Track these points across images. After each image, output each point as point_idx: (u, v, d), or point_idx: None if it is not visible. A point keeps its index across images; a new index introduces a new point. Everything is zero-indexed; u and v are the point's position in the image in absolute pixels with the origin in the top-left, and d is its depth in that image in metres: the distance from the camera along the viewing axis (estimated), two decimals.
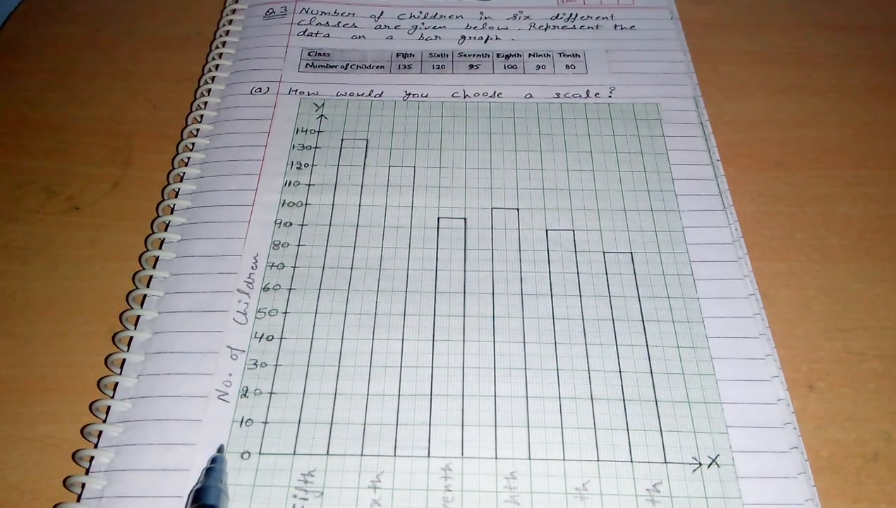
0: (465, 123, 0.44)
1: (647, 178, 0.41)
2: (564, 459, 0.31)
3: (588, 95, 0.45)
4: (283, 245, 0.38)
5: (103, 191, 0.42)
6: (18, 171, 0.42)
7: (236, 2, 0.51)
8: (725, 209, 0.39)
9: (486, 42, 0.49)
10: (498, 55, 0.48)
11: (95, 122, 0.45)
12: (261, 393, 0.33)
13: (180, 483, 0.30)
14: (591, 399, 0.33)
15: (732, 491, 0.31)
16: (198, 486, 0.30)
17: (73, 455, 0.32)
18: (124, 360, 0.34)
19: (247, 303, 0.36)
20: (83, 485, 0.31)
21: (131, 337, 0.35)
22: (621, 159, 0.42)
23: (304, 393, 0.33)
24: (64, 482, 0.31)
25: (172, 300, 0.36)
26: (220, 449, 0.31)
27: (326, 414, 0.32)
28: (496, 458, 0.31)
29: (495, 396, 0.33)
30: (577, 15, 0.50)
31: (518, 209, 0.40)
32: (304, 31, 0.49)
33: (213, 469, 0.30)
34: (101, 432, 0.32)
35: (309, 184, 0.40)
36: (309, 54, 0.48)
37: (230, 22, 0.50)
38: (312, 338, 0.35)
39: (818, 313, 0.37)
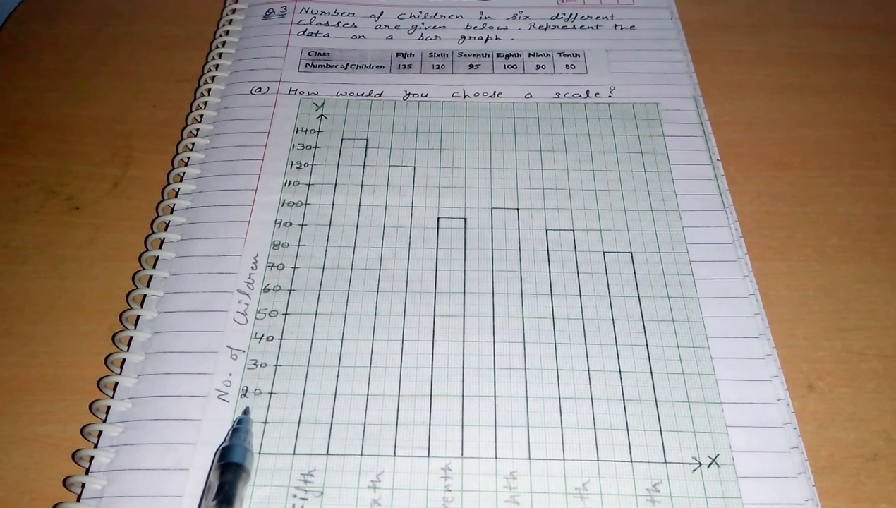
0: (465, 123, 0.44)
1: (647, 178, 0.41)
2: (564, 459, 0.31)
3: (588, 95, 0.45)
4: (283, 245, 0.38)
5: (103, 191, 0.42)
6: (18, 171, 0.42)
7: (236, 2, 0.51)
8: (725, 209, 0.39)
9: (486, 42, 0.48)
10: (498, 55, 0.48)
11: (95, 122, 0.45)
12: (261, 393, 0.33)
13: (180, 483, 0.30)
14: (591, 399, 0.33)
15: (732, 491, 0.31)
16: (224, 444, 0.30)
17: (73, 455, 0.32)
18: (124, 360, 0.34)
19: (247, 304, 0.36)
20: (83, 485, 0.31)
21: (131, 337, 0.35)
22: (621, 159, 0.42)
23: (304, 394, 0.33)
24: (64, 482, 0.31)
25: (172, 300, 0.36)
26: (247, 411, 0.32)
27: (326, 414, 0.32)
28: (496, 458, 0.31)
29: (495, 396, 0.33)
30: (577, 15, 0.50)
31: (518, 209, 0.40)
32: (304, 31, 0.49)
33: (239, 429, 0.31)
34: (101, 432, 0.32)
35: (309, 184, 0.40)
36: (309, 54, 0.48)
37: (230, 22, 0.50)
38: (312, 339, 0.35)
39: (818, 313, 0.37)
